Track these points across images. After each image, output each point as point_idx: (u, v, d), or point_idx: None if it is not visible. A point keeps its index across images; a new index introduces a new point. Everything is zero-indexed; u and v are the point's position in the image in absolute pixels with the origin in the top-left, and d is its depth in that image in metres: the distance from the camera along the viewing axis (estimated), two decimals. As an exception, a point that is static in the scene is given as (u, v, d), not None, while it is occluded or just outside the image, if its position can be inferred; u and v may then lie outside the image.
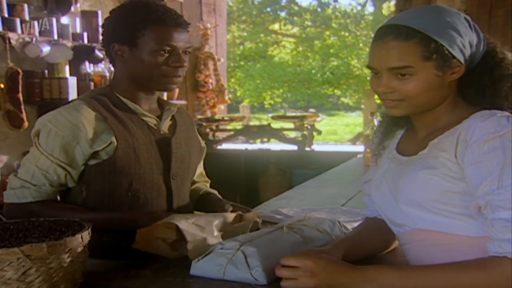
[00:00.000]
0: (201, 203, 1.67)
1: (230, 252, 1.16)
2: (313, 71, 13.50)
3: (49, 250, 0.94)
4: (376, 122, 3.33)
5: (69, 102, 1.47)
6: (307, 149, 4.80)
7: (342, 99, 15.51)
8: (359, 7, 15.12)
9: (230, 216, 1.42)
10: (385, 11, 13.98)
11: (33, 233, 1.04)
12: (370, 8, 15.17)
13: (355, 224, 1.59)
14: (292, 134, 5.04)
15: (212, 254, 1.18)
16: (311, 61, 14.15)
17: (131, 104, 1.49)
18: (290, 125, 5.04)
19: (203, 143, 1.70)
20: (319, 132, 4.91)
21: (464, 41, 1.10)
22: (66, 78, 3.77)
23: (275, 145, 5.07)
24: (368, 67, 1.17)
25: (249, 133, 5.07)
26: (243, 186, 5.04)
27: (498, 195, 0.97)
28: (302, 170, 4.73)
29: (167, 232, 1.29)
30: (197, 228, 1.26)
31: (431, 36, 1.08)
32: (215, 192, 1.72)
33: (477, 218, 1.06)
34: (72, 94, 3.74)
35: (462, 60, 1.11)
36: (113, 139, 1.40)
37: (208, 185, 1.78)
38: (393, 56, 1.11)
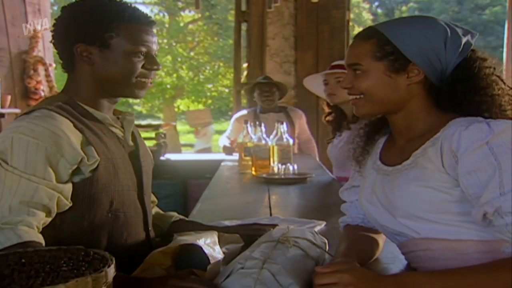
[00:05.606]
0: (179, 230, 1.46)
1: (254, 271, 1.07)
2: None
3: (93, 284, 0.79)
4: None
5: (28, 112, 1.19)
6: (162, 158, 4.66)
7: (136, 106, 15.29)
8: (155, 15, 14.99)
9: (215, 234, 1.36)
10: (179, 20, 14.28)
11: (60, 265, 0.84)
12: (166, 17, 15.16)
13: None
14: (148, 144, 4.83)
15: (234, 275, 1.08)
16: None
17: (98, 114, 1.29)
18: (144, 134, 4.84)
19: (151, 154, 1.54)
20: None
21: (430, 48, 1.13)
22: None
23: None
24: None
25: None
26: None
27: (504, 202, 0.99)
28: (157, 180, 4.52)
29: (163, 258, 1.23)
30: (210, 249, 1.15)
31: (388, 37, 1.14)
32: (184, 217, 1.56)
33: (480, 224, 1.08)
34: None
35: (420, 65, 1.14)
36: (95, 153, 1.20)
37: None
38: (351, 54, 1.20)
